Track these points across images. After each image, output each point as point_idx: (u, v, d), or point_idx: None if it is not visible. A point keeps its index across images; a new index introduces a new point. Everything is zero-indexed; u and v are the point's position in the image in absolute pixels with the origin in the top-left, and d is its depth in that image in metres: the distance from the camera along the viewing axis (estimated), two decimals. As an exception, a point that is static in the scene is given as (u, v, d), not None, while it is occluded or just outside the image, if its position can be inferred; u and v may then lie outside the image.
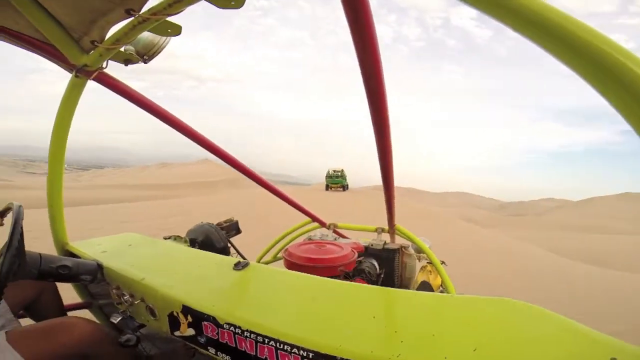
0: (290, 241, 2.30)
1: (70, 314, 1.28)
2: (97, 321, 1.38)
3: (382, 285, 1.71)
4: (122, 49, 0.97)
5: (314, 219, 2.31)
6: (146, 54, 1.01)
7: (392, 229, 2.04)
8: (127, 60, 0.99)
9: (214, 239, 1.60)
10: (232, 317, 0.81)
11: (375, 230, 2.15)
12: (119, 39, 0.90)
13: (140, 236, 1.48)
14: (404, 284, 1.90)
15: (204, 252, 1.36)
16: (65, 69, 1.01)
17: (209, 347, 0.88)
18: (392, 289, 0.95)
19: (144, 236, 1.48)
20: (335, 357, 0.66)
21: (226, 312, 0.83)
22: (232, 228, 1.83)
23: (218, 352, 0.86)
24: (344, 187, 21.50)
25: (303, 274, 1.09)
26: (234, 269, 1.08)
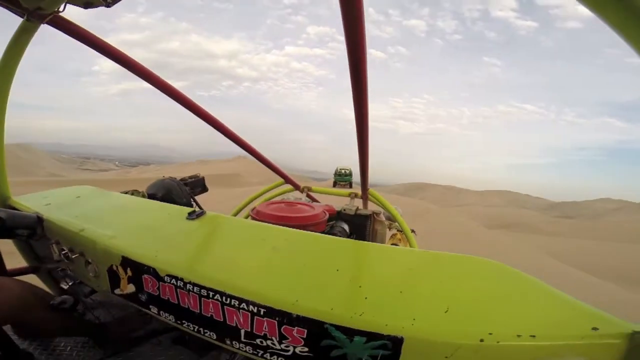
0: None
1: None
2: (47, 288, 1.31)
3: None
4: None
5: (288, 180, 2.21)
6: (109, -3, 0.99)
7: (365, 194, 1.94)
8: (87, 4, 0.94)
9: (175, 194, 1.46)
10: (174, 267, 0.73)
11: (349, 195, 2.05)
12: (77, -22, 0.85)
13: (92, 188, 1.37)
14: None
15: (159, 202, 1.26)
16: (17, 14, 0.94)
17: (150, 306, 0.80)
18: (360, 241, 0.87)
19: (98, 189, 1.37)
20: (290, 313, 0.59)
21: (167, 263, 0.75)
22: (198, 184, 1.67)
23: (161, 312, 0.78)
24: (351, 184, 22.77)
25: (266, 224, 0.99)
26: (187, 218, 0.98)
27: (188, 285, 0.70)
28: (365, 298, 0.60)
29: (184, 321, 0.74)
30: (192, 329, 0.73)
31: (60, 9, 0.91)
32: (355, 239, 1.78)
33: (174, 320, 0.76)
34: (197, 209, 1.11)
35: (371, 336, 0.54)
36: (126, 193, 1.46)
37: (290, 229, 0.93)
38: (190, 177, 1.68)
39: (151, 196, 1.45)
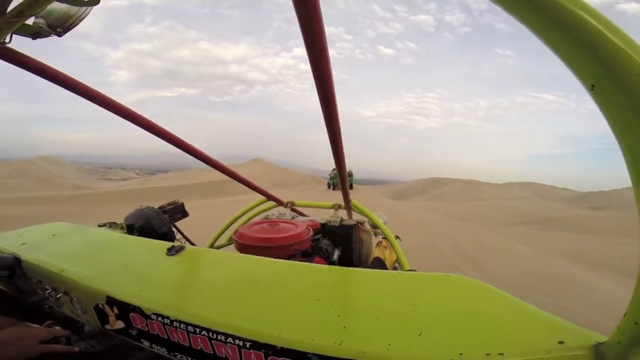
0: (246, 222, 2.18)
1: None
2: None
3: (340, 262, 1.66)
4: (29, 22, 0.84)
5: (270, 197, 2.20)
6: (60, 27, 0.86)
7: (347, 205, 1.98)
8: (35, 34, 0.86)
9: (154, 223, 1.45)
10: (159, 306, 0.77)
11: (332, 207, 2.08)
12: (22, 10, 0.77)
13: (67, 225, 1.39)
14: (362, 260, 1.86)
15: (138, 237, 1.25)
16: None
17: (142, 340, 0.83)
18: (339, 267, 0.90)
19: (73, 225, 1.38)
20: (275, 346, 0.62)
21: (152, 302, 0.78)
22: (177, 211, 1.67)
23: (153, 345, 0.81)
24: (351, 186, 23.15)
25: (246, 255, 1.02)
26: (167, 254, 1.00)
27: (174, 322, 0.73)
28: (344, 327, 0.62)
29: (176, 353, 0.77)
30: None
31: (7, 40, 0.84)
32: (342, 249, 1.75)
33: (167, 353, 0.80)
34: (177, 243, 1.12)
35: None
36: (104, 225, 1.47)
37: (269, 259, 0.96)
38: (169, 204, 1.68)
39: (130, 227, 1.44)
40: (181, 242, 1.25)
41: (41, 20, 0.85)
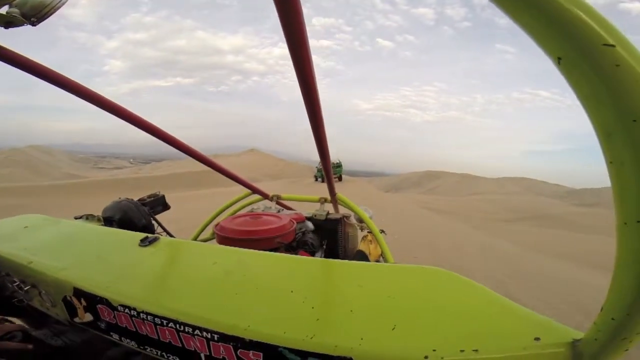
0: (231, 215, 2.10)
1: None
2: None
3: (325, 256, 1.63)
4: (3, 11, 0.81)
5: (255, 190, 2.12)
6: (34, 16, 0.83)
7: (333, 198, 1.94)
8: (8, 23, 0.82)
9: (133, 216, 1.38)
10: (126, 297, 0.74)
11: (319, 200, 2.03)
12: (-6, -1, 0.75)
13: (41, 217, 1.33)
14: (348, 255, 1.83)
15: (112, 229, 1.22)
16: None
17: (111, 333, 0.80)
18: (317, 258, 0.87)
19: (47, 217, 1.33)
20: (243, 338, 0.60)
21: (119, 293, 0.76)
22: (158, 203, 1.60)
23: (122, 338, 0.79)
24: (340, 178, 23.20)
25: (221, 246, 1.00)
26: (139, 245, 0.97)
27: (142, 314, 0.71)
28: (317, 319, 0.61)
29: (146, 346, 0.76)
30: (155, 353, 0.74)
31: None
32: (328, 243, 1.73)
33: (136, 346, 0.77)
34: (156, 234, 1.08)
35: (322, 358, 0.55)
36: (80, 217, 1.42)
37: (244, 250, 0.93)
38: (149, 197, 1.61)
39: (107, 219, 1.39)
40: (161, 235, 1.23)
41: (15, 10, 0.82)
